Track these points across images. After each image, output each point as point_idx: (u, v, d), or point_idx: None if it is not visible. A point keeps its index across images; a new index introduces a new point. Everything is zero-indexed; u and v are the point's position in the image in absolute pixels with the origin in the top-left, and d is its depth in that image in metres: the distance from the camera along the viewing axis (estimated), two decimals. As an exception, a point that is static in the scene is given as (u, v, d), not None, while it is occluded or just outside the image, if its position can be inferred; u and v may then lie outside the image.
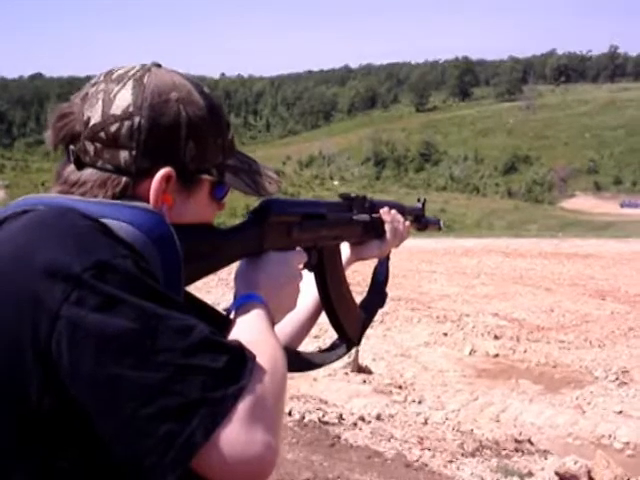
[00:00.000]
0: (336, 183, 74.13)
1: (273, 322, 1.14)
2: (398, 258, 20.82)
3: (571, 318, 12.70)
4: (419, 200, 1.98)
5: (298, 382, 7.71)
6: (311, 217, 1.38)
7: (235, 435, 0.85)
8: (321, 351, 1.62)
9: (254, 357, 0.92)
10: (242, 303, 1.14)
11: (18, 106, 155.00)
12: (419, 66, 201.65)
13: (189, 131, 1.05)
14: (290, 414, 6.46)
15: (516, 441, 6.66)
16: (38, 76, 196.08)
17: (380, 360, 9.33)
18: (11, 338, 0.85)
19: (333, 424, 6.42)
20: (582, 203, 79.05)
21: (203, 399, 0.84)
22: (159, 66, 1.10)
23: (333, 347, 1.61)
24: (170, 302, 0.90)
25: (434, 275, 17.40)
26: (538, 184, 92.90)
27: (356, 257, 1.67)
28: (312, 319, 1.58)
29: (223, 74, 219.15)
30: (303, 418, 6.42)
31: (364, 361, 8.93)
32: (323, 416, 6.55)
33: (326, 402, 7.16)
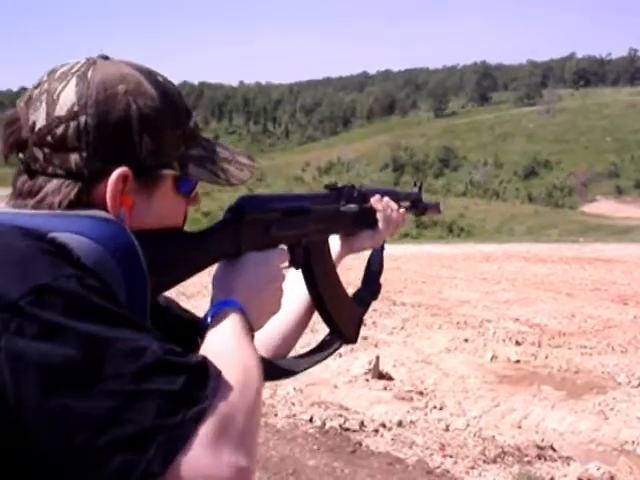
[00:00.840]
0: (355, 189, 73.98)
1: (251, 328, 1.09)
2: (418, 264, 20.84)
3: (593, 323, 12.59)
4: (415, 184, 1.92)
5: (319, 389, 7.72)
6: (294, 212, 1.31)
7: (197, 461, 0.79)
8: (311, 352, 1.51)
9: (219, 373, 0.86)
10: (217, 310, 1.08)
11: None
12: (437, 71, 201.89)
13: (142, 125, 0.99)
14: (311, 420, 6.48)
15: (538, 447, 6.62)
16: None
17: (401, 366, 9.30)
18: None
19: (354, 431, 6.42)
20: (603, 207, 78.38)
21: (158, 425, 0.78)
22: (106, 58, 1.03)
23: (324, 346, 1.53)
24: (121, 321, 0.84)
25: (454, 281, 17.33)
26: (558, 189, 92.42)
27: (347, 250, 1.61)
28: (305, 319, 1.52)
29: (242, 81, 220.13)
30: (324, 425, 6.43)
31: (385, 367, 8.92)
32: (344, 423, 6.55)
33: (347, 409, 7.16)
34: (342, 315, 1.52)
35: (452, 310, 13.42)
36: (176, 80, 1.08)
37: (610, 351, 10.62)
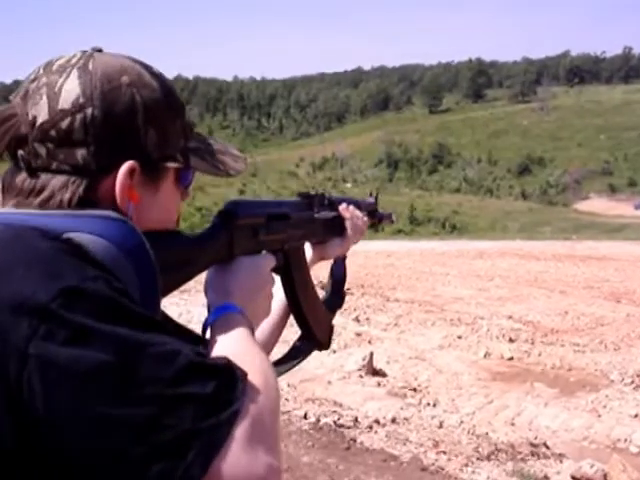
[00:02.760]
0: (349, 185, 74.16)
1: (253, 332, 1.08)
2: (411, 260, 20.86)
3: (586, 321, 12.62)
4: (371, 194, 1.96)
5: (313, 385, 7.72)
6: (276, 218, 1.33)
7: (235, 462, 0.79)
8: (284, 358, 1.53)
9: (245, 375, 0.85)
10: (219, 315, 1.06)
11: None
12: (432, 68, 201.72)
13: (147, 117, 0.97)
14: (305, 417, 6.47)
15: (531, 445, 6.63)
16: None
17: (394, 363, 9.31)
18: None
19: (348, 427, 6.42)
20: (596, 205, 78.58)
21: (196, 430, 0.77)
22: (100, 51, 1.00)
23: (296, 351, 1.55)
24: (150, 324, 0.82)
25: (448, 277, 17.34)
26: (552, 186, 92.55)
27: (319, 257, 1.63)
28: (281, 324, 1.53)
29: (236, 76, 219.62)
30: (318, 421, 6.43)
31: (378, 364, 8.93)
32: (338, 419, 6.55)
33: (341, 405, 7.17)
34: (316, 320, 1.54)
35: (445, 307, 13.44)
36: (170, 74, 1.08)
37: (603, 349, 10.65)
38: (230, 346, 0.98)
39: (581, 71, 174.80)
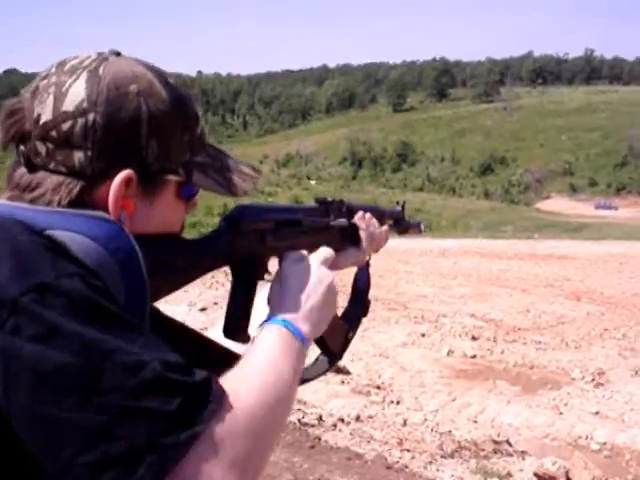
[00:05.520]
0: (313, 183, 74.22)
1: (303, 340, 1.06)
2: (375, 258, 20.71)
3: (547, 319, 12.78)
4: (398, 203, 1.89)
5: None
6: (286, 223, 1.30)
7: None
8: (310, 366, 1.50)
9: (221, 394, 0.82)
10: (264, 327, 1.05)
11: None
12: (397, 66, 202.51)
13: (151, 128, 0.96)
14: (270, 415, 6.44)
15: (494, 442, 6.69)
16: (13, 71, 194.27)
17: (358, 361, 9.33)
18: None
19: (313, 425, 6.41)
20: (558, 205, 79.61)
21: (150, 445, 0.74)
22: (118, 54, 0.99)
23: (317, 361, 1.53)
24: (124, 327, 0.80)
25: (411, 275, 17.43)
26: (514, 185, 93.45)
27: (332, 266, 1.49)
28: None
29: (200, 72, 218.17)
30: (283, 419, 6.40)
31: (342, 361, 8.92)
32: (303, 417, 6.54)
33: (305, 403, 7.15)
34: (329, 330, 1.44)
35: (409, 305, 13.51)
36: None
37: (564, 347, 10.78)
38: (243, 362, 0.95)
39: (544, 72, 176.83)
